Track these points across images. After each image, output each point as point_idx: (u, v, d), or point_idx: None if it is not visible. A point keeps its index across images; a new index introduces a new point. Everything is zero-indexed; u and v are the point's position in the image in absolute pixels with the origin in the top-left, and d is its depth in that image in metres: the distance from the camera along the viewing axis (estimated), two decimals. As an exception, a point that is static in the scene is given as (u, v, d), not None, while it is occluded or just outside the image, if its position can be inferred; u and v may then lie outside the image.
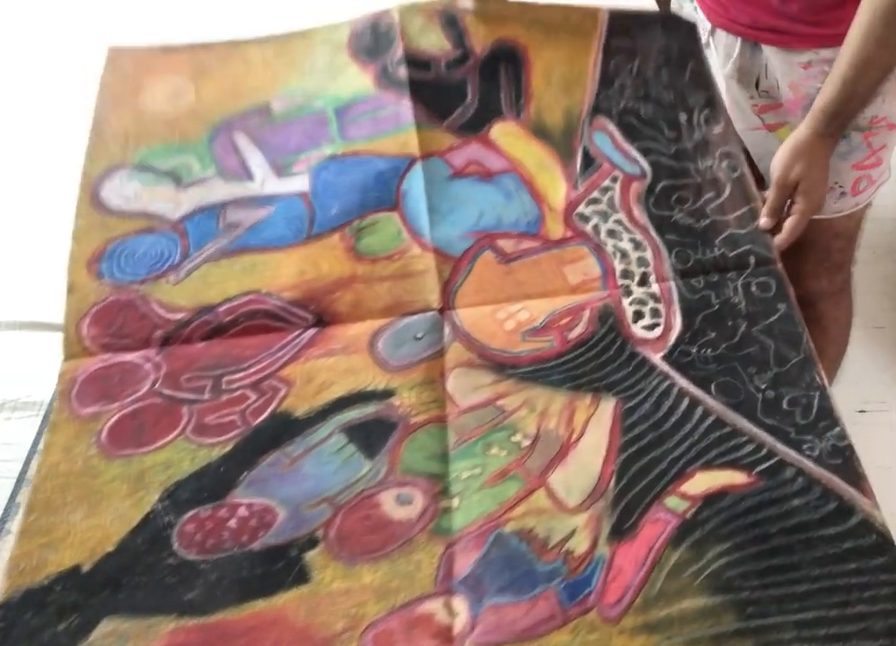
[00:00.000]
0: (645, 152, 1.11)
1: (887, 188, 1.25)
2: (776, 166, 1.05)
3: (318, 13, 1.27)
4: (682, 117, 1.13)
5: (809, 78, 1.11)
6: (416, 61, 1.16)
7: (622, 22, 1.20)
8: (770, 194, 1.05)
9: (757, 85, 1.19)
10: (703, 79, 1.17)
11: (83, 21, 1.48)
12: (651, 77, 1.16)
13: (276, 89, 1.16)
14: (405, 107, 1.12)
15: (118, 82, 1.17)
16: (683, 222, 1.05)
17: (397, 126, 1.12)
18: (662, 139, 1.11)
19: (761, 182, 1.16)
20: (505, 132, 1.13)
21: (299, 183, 1.09)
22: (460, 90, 1.15)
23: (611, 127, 1.13)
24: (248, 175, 1.10)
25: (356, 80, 1.16)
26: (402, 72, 1.15)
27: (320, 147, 1.11)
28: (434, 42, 1.17)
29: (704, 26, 1.21)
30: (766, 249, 1.02)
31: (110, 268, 1.02)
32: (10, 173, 1.31)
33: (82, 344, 0.97)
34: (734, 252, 1.02)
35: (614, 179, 1.09)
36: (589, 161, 1.10)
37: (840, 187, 1.20)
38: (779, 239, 1.03)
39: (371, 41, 1.18)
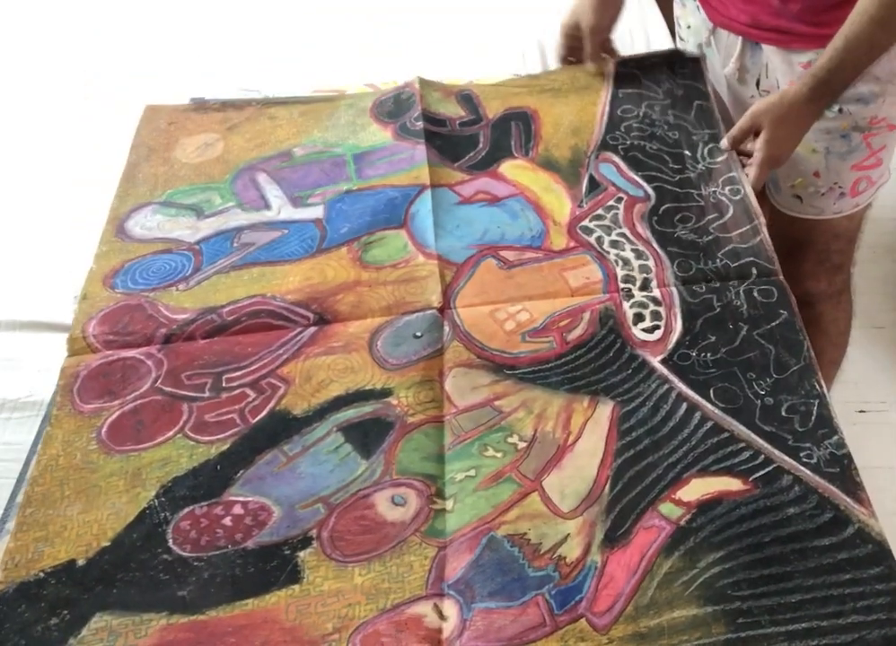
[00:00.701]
0: (649, 180, 1.13)
1: (886, 189, 1.25)
2: (754, 106, 1.09)
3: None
4: (687, 153, 1.16)
5: None
6: (432, 119, 1.22)
7: (629, 70, 1.27)
8: (740, 121, 1.11)
9: (758, 84, 1.19)
10: (708, 117, 1.20)
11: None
12: (657, 119, 1.21)
13: (299, 140, 1.22)
14: (419, 150, 1.17)
15: (152, 137, 1.23)
16: (686, 238, 1.06)
17: (411, 165, 1.16)
18: (666, 170, 1.14)
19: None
20: (513, 166, 1.17)
21: (314, 212, 1.12)
22: (472, 140, 1.21)
23: (617, 159, 1.16)
24: (266, 205, 1.13)
25: (376, 135, 1.22)
26: (419, 125, 1.20)
27: (337, 184, 1.15)
28: (451, 109, 1.25)
29: (706, 25, 1.21)
30: (768, 262, 1.02)
31: (125, 281, 1.04)
32: (10, 175, 1.31)
33: (86, 341, 0.97)
34: (736, 263, 1.02)
35: (618, 200, 1.11)
36: (594, 185, 1.13)
37: (840, 187, 1.20)
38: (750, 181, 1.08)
39: (393, 107, 1.25)
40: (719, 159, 1.14)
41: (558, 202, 1.11)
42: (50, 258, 1.17)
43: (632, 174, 1.13)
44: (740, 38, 1.16)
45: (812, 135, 1.12)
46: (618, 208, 1.09)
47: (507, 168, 1.16)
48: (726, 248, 1.04)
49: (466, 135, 1.21)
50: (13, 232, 1.22)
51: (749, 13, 1.12)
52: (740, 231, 1.05)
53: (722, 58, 1.21)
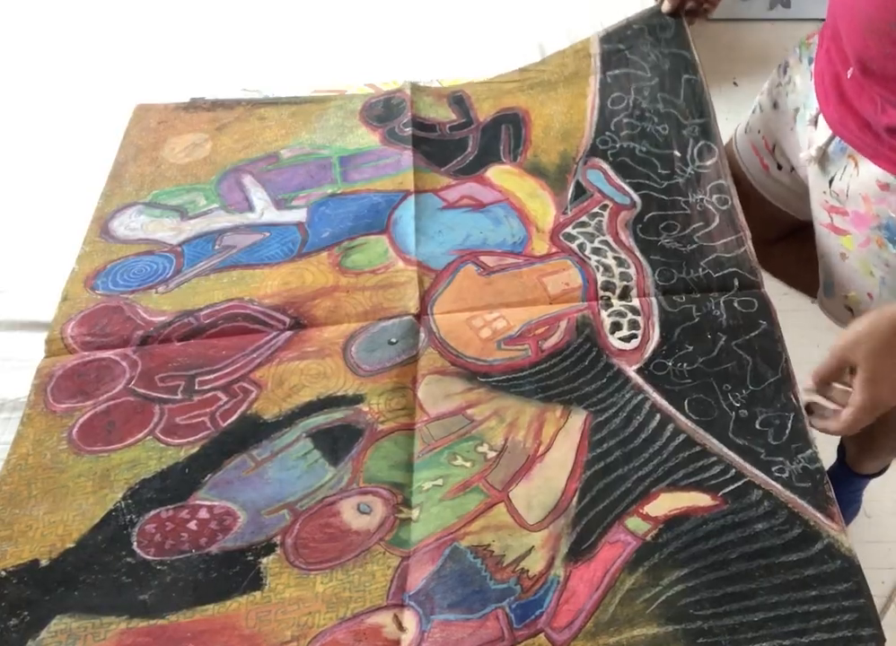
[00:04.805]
0: (636, 187, 1.11)
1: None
2: (845, 332, 0.83)
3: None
4: (676, 154, 1.14)
5: (881, 202, 0.98)
6: (422, 125, 1.21)
7: (614, 46, 1.26)
8: (825, 360, 0.86)
9: (831, 183, 1.06)
10: (699, 98, 1.19)
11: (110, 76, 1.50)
12: (647, 108, 1.19)
13: (287, 141, 1.21)
14: (406, 155, 1.16)
15: (141, 136, 1.23)
16: (670, 246, 1.04)
17: (397, 170, 1.15)
18: (654, 176, 1.12)
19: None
20: (500, 171, 1.16)
21: (297, 215, 1.11)
22: (461, 144, 1.20)
23: (605, 166, 1.14)
24: (249, 207, 1.12)
25: (364, 138, 1.21)
26: (408, 132, 1.19)
27: (322, 187, 1.14)
28: (442, 114, 1.24)
29: (815, 100, 1.09)
30: (751, 274, 1.01)
31: (105, 283, 1.04)
32: (9, 174, 1.31)
33: (63, 342, 0.97)
34: (719, 274, 1.01)
35: (603, 207, 1.09)
36: (580, 192, 1.11)
37: None
38: (830, 427, 0.86)
39: (382, 111, 1.24)
40: (709, 162, 1.12)
41: (543, 208, 1.10)
42: (50, 258, 1.16)
43: (619, 181, 1.12)
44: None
45: (872, 258, 1.02)
46: (602, 215, 1.08)
47: (494, 173, 1.15)
48: (710, 258, 1.02)
49: (456, 139, 1.20)
50: (13, 232, 1.22)
51: (839, 114, 1.02)
52: (724, 240, 1.04)
53: (817, 137, 1.08)
